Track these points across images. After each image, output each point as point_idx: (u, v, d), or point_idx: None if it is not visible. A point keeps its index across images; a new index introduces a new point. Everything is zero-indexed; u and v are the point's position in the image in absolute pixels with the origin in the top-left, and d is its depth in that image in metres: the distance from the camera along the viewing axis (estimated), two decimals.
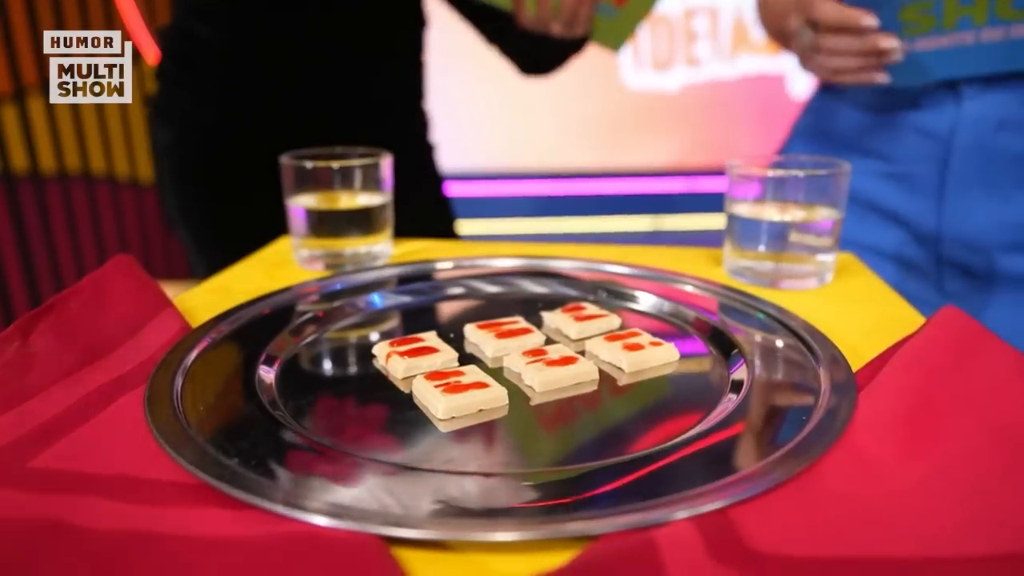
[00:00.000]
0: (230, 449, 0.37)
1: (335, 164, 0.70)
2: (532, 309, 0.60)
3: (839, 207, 0.63)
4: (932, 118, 0.82)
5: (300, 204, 0.71)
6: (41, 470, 0.37)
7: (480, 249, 0.79)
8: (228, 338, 0.51)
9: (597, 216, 3.21)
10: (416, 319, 0.60)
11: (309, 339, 0.54)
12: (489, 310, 0.61)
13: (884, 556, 0.31)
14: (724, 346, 0.52)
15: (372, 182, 0.72)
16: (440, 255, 0.75)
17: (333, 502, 0.33)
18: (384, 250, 0.74)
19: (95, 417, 0.42)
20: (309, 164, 0.70)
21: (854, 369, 0.45)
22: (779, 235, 0.64)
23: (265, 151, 0.81)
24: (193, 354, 0.47)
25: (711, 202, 3.06)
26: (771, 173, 0.63)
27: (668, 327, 0.57)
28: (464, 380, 0.45)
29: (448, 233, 1.15)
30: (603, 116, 3.14)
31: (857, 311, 0.60)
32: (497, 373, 0.49)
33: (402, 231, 0.80)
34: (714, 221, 3.08)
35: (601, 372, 0.48)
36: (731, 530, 0.31)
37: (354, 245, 0.72)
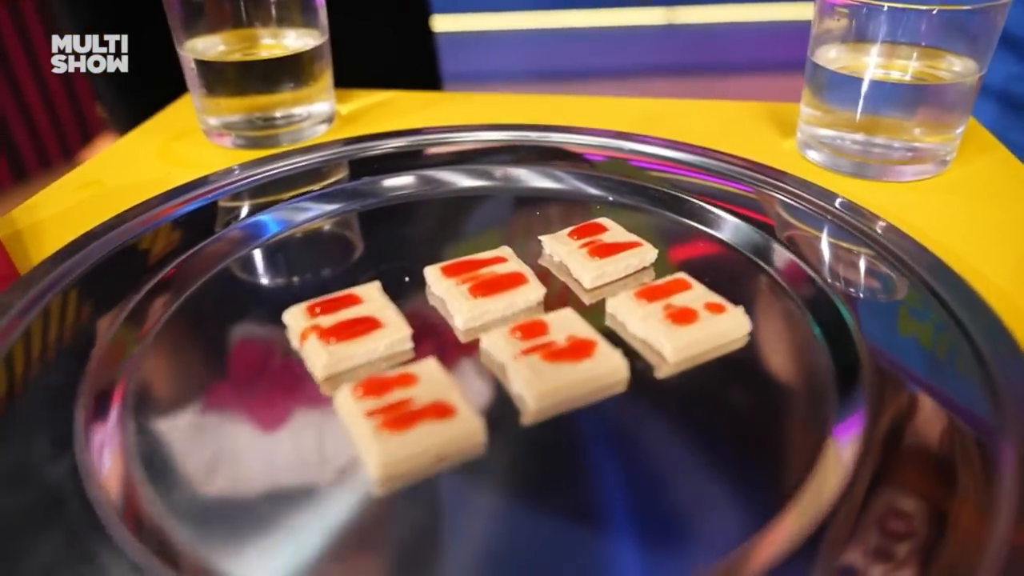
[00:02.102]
0: None
1: None
2: (526, 218, 0.42)
3: (983, 60, 0.42)
4: None
5: (194, 53, 0.50)
6: None
7: (452, 107, 0.59)
8: (41, 334, 0.32)
9: (603, 9, 2.85)
10: (351, 246, 0.41)
11: (171, 313, 0.35)
12: (462, 223, 0.42)
13: None
14: (822, 310, 0.34)
15: (299, 15, 0.51)
16: (401, 120, 0.55)
17: None
18: (322, 110, 0.54)
19: None
20: None
21: None
22: (887, 98, 0.43)
23: None
24: None
25: None
26: (885, 3, 0.42)
27: (730, 262, 0.38)
28: (418, 398, 0.28)
29: (422, 33, 0.92)
30: None
31: (996, 223, 0.41)
32: (471, 354, 0.32)
33: (372, 35, 0.59)
34: (736, 13, 2.75)
35: (631, 357, 0.31)
36: None
37: (281, 106, 0.52)
